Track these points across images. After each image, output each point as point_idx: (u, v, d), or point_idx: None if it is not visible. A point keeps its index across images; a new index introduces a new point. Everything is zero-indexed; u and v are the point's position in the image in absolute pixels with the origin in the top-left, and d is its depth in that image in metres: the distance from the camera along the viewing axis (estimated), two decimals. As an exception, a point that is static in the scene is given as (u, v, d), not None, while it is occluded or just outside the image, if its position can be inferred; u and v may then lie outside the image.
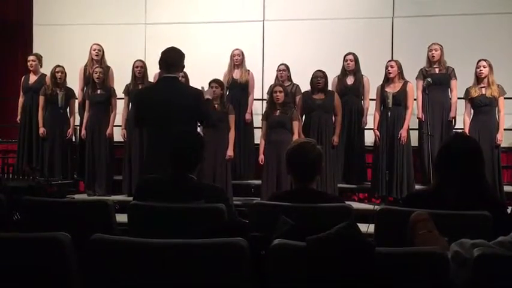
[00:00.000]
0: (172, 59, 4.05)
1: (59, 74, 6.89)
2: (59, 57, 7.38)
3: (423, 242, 2.03)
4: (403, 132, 5.99)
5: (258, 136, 6.78)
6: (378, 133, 6.17)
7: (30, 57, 7.33)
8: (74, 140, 7.08)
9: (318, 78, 6.27)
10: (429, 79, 6.10)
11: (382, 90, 6.18)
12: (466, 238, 1.86)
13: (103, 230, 1.91)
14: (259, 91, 7.59)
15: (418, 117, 6.46)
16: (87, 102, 6.86)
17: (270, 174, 6.00)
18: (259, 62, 8.02)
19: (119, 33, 8.24)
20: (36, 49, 8.31)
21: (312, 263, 1.71)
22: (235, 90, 7.00)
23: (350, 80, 6.67)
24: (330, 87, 6.51)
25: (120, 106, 6.90)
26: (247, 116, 6.98)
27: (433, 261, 1.71)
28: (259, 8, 8.20)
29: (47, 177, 6.34)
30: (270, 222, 2.09)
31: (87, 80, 7.03)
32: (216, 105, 6.21)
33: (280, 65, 6.92)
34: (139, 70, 6.77)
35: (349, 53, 6.68)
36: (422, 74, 6.43)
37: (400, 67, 6.15)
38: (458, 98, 6.44)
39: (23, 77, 7.38)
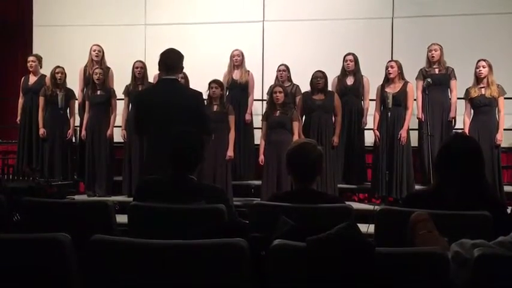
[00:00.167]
0: (171, 60, 4.04)
1: (59, 74, 6.90)
2: (58, 58, 7.39)
3: (423, 242, 2.03)
4: (403, 133, 5.99)
5: (258, 136, 6.78)
6: (377, 133, 6.17)
7: (30, 58, 7.33)
8: (74, 140, 7.09)
9: (318, 79, 6.27)
10: (429, 79, 6.10)
11: (382, 90, 6.18)
12: (466, 238, 1.86)
13: (103, 231, 1.91)
14: (259, 91, 7.59)
15: (418, 118, 6.47)
16: (87, 103, 6.86)
17: (270, 175, 6.00)
18: (259, 62, 8.02)
19: (119, 34, 8.24)
20: (36, 50, 8.31)
21: (312, 264, 1.71)
22: (235, 90, 7.00)
23: (350, 81, 6.67)
24: (329, 88, 6.51)
25: (120, 107, 6.90)
26: (247, 117, 6.98)
27: (433, 262, 1.71)
28: (259, 9, 8.20)
29: (47, 178, 6.34)
30: (270, 223, 2.09)
31: (87, 80, 7.04)
32: (216, 106, 6.22)
33: (280, 65, 6.92)
34: (139, 71, 6.77)
35: (349, 54, 6.68)
36: (422, 74, 6.43)
37: (400, 67, 6.15)
38: (459, 98, 6.45)
39: (23, 78, 7.38)
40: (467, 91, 6.17)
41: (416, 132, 6.50)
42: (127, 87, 6.84)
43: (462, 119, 6.27)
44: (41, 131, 6.90)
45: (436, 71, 6.44)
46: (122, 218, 2.96)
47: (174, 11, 8.34)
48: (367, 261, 1.69)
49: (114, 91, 6.92)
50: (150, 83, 6.69)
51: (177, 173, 2.94)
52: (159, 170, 3.30)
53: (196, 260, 1.75)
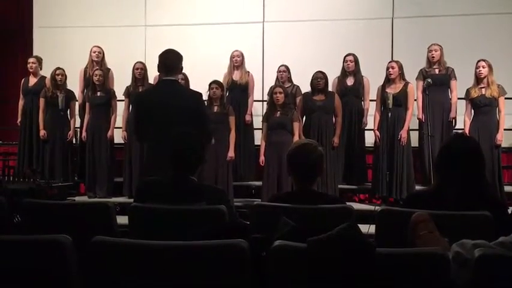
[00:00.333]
0: (170, 61, 4.04)
1: (59, 76, 6.90)
2: (59, 60, 7.40)
3: (424, 242, 2.03)
4: (403, 133, 5.99)
5: (258, 137, 6.78)
6: (378, 133, 6.17)
7: (30, 60, 7.32)
8: (74, 142, 7.09)
9: (318, 79, 6.27)
10: (429, 80, 6.10)
11: (382, 90, 6.18)
12: (467, 239, 1.86)
13: (104, 232, 1.91)
14: (259, 92, 7.59)
15: (418, 118, 6.46)
16: (87, 104, 6.86)
17: (270, 176, 6.00)
18: (259, 63, 8.02)
19: (119, 35, 8.25)
20: (36, 51, 8.32)
21: (312, 264, 1.71)
22: (235, 91, 7.00)
23: (350, 81, 6.67)
24: (330, 88, 6.51)
25: (121, 108, 6.90)
26: (247, 118, 6.98)
27: (434, 262, 1.71)
28: (259, 9, 8.21)
29: (47, 180, 6.33)
30: (270, 224, 2.09)
31: (87, 82, 7.03)
32: (216, 107, 6.22)
33: (281, 66, 6.92)
34: (139, 72, 6.77)
35: (349, 54, 6.68)
36: (422, 75, 6.43)
37: (401, 68, 6.15)
38: (459, 99, 6.44)
39: (23, 80, 7.37)
40: (468, 91, 6.17)
41: (417, 132, 6.50)
42: (127, 88, 6.84)
43: (462, 119, 6.27)
44: (42, 132, 6.90)
45: (436, 71, 6.44)
46: (122, 219, 2.96)
47: (174, 12, 8.35)
48: (368, 261, 1.69)
49: (114, 92, 6.92)
50: (150, 84, 6.69)
51: (178, 174, 2.94)
52: (159, 171, 3.30)
53: (196, 261, 1.75)
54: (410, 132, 6.19)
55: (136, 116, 4.42)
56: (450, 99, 6.47)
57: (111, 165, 6.83)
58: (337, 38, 7.76)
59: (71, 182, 6.84)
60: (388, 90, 6.11)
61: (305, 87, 6.59)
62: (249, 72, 7.08)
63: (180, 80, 5.33)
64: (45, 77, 7.16)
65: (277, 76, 6.92)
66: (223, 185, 5.89)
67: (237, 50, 7.05)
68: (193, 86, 5.87)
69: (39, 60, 7.34)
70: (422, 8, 7.69)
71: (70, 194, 6.50)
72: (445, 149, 2.62)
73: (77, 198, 6.54)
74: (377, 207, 5.44)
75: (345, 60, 6.67)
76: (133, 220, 2.75)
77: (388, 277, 1.70)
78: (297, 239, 1.79)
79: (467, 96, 6.17)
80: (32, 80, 7.26)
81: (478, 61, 6.10)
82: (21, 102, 7.27)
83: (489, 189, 2.87)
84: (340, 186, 6.40)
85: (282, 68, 6.89)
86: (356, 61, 6.64)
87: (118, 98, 6.93)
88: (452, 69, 6.45)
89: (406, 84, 6.15)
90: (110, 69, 7.13)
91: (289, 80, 6.92)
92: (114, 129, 6.86)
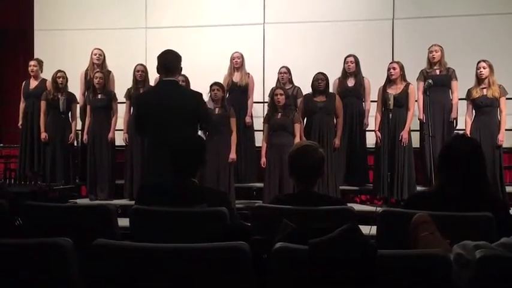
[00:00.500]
0: (169, 61, 4.05)
1: (60, 79, 6.90)
2: (60, 62, 7.39)
3: (425, 244, 2.02)
4: (404, 134, 5.99)
5: (258, 139, 6.78)
6: (379, 134, 6.17)
7: (31, 63, 7.33)
8: (75, 144, 7.09)
9: (319, 81, 6.27)
10: (430, 80, 6.10)
11: (383, 91, 6.18)
12: (468, 240, 1.85)
13: (105, 235, 1.91)
14: (260, 94, 7.59)
15: (419, 119, 6.46)
16: (88, 106, 6.87)
17: (272, 177, 6.00)
18: (259, 64, 8.02)
19: (120, 37, 8.25)
20: (37, 54, 8.31)
21: (314, 266, 1.71)
22: (235, 93, 6.99)
23: (351, 82, 6.67)
24: (330, 90, 6.51)
25: (122, 110, 6.90)
26: (248, 119, 6.97)
27: (436, 264, 1.71)
28: (259, 11, 8.20)
29: (49, 182, 6.35)
30: (272, 226, 2.09)
31: (88, 84, 7.04)
32: (217, 108, 6.22)
33: (282, 67, 6.92)
34: (140, 74, 6.78)
35: (349, 55, 6.68)
36: (423, 75, 6.42)
37: (402, 69, 6.16)
38: (460, 99, 6.44)
39: (24, 82, 7.38)
40: (469, 92, 6.17)
41: (418, 133, 6.49)
42: (128, 90, 6.85)
43: (463, 119, 6.26)
44: (43, 135, 6.91)
45: (437, 72, 6.44)
46: (123, 222, 2.96)
47: (175, 14, 8.34)
48: (369, 263, 1.68)
49: (115, 95, 6.92)
50: (151, 86, 6.69)
51: (179, 176, 2.94)
52: (160, 173, 3.30)
53: (198, 263, 1.75)
54: (412, 133, 6.19)
55: (136, 116, 4.43)
56: (451, 99, 6.47)
57: (112, 168, 6.83)
58: (337, 39, 7.75)
59: (72, 184, 6.85)
60: (389, 91, 6.11)
61: (306, 89, 6.59)
62: (249, 73, 7.08)
63: (180, 82, 5.34)
64: (46, 80, 7.17)
65: (278, 77, 6.92)
66: (225, 187, 5.90)
67: (237, 52, 7.06)
68: (193, 87, 5.86)
69: (40, 63, 7.35)
70: (422, 9, 7.68)
71: (71, 197, 6.51)
72: (446, 149, 2.61)
73: (78, 201, 6.55)
74: (378, 209, 5.44)
75: (345, 62, 6.67)
76: (134, 222, 2.75)
77: (390, 279, 1.70)
78: (298, 241, 1.78)
79: (469, 97, 6.17)
80: (33, 83, 7.26)
81: (479, 62, 6.10)
82: (22, 105, 7.28)
83: (491, 190, 2.86)
84: (341, 187, 6.39)
85: (283, 70, 6.89)
86: (357, 62, 6.65)
87: (119, 100, 6.94)
88: (453, 70, 6.45)
89: (407, 85, 6.16)
90: (110, 71, 7.13)
91: (290, 81, 6.92)
92: (115, 132, 6.87)
